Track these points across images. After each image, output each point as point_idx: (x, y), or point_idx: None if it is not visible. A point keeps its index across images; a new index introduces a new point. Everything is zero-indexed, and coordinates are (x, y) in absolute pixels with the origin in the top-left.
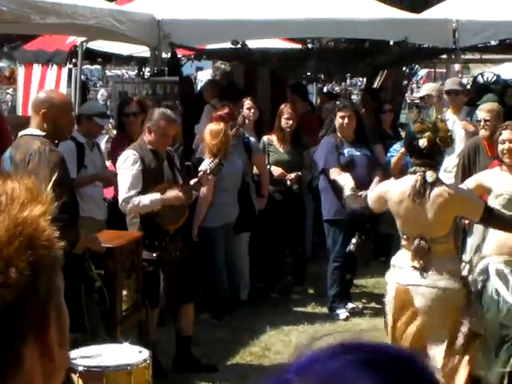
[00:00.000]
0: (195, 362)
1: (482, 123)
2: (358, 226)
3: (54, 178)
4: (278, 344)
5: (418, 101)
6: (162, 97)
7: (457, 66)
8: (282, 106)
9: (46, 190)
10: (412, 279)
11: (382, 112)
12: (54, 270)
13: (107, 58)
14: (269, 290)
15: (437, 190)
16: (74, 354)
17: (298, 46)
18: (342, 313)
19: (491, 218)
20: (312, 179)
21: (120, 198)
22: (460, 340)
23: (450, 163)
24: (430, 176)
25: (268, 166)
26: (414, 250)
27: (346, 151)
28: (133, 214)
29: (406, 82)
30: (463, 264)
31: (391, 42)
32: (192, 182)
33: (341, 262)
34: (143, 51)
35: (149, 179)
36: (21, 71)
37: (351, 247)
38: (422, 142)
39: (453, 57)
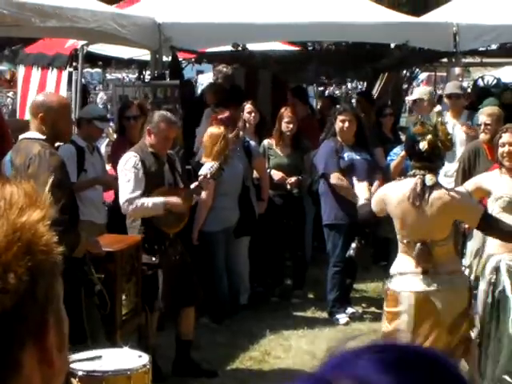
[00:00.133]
0: (195, 367)
1: (483, 127)
2: (358, 231)
3: (53, 182)
4: (278, 348)
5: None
6: (162, 100)
7: (457, 70)
8: (283, 110)
9: (44, 195)
10: (428, 285)
11: (383, 116)
12: (53, 275)
13: (108, 62)
14: (269, 294)
15: (436, 194)
16: (73, 358)
17: (298, 49)
18: (342, 317)
19: (488, 227)
20: (312, 183)
21: (122, 199)
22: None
23: (451, 167)
24: (429, 179)
25: (268, 170)
26: (417, 255)
27: (346, 155)
28: (133, 217)
29: (406, 86)
30: (463, 268)
31: (392, 46)
32: (192, 186)
33: (341, 266)
34: (144, 54)
35: (149, 182)
36: (20, 74)
37: (351, 252)
38: (423, 145)
39: (453, 60)
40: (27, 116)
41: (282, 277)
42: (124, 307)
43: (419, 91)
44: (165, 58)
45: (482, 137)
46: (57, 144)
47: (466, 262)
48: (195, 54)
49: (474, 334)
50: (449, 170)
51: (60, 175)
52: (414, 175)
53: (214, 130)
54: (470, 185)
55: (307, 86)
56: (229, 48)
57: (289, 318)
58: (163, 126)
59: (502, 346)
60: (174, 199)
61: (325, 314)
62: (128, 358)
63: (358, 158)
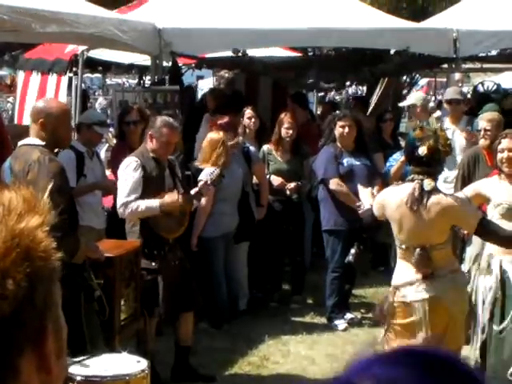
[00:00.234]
0: (193, 372)
1: (482, 133)
2: (357, 236)
3: (53, 188)
4: (277, 354)
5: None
6: (162, 106)
7: (457, 75)
8: (282, 115)
9: (43, 201)
10: (435, 288)
11: (383, 121)
12: (51, 281)
13: (108, 67)
14: (267, 300)
15: (434, 198)
16: (72, 363)
17: (298, 54)
18: (341, 323)
19: (485, 232)
20: (311, 189)
21: (119, 202)
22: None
23: (451, 174)
24: (427, 184)
25: (268, 176)
26: (416, 260)
27: (346, 161)
28: (132, 222)
29: (406, 91)
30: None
31: (392, 52)
32: (192, 192)
33: (340, 272)
34: (144, 60)
35: (150, 187)
36: (20, 79)
37: (350, 258)
38: (422, 150)
39: (453, 66)
40: (25, 121)
41: (281, 282)
42: (123, 312)
43: (412, 97)
44: (165, 64)
45: (482, 143)
46: (56, 149)
47: (465, 267)
48: (195, 60)
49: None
50: (448, 176)
51: (59, 181)
52: (413, 180)
53: (213, 135)
54: (469, 191)
55: (307, 92)
56: (229, 54)
57: (287, 323)
58: (165, 131)
59: (505, 344)
60: (171, 197)
61: (323, 320)
62: (127, 363)
63: (357, 163)
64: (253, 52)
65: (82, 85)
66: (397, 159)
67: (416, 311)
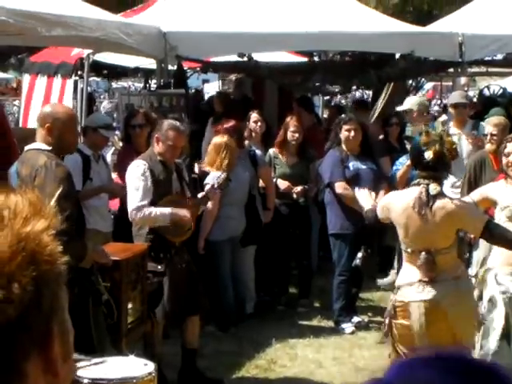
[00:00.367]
0: (200, 376)
1: (489, 137)
2: (364, 240)
3: (60, 193)
4: (284, 357)
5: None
6: (168, 109)
7: (463, 79)
8: (288, 119)
9: (49, 204)
10: (435, 292)
11: (389, 125)
12: (57, 285)
13: (113, 71)
14: (275, 303)
15: (440, 203)
16: (79, 366)
17: (304, 59)
18: (348, 326)
19: (491, 236)
20: (317, 193)
21: (131, 206)
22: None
23: (458, 179)
24: (433, 188)
25: (274, 179)
26: (421, 264)
27: (352, 165)
28: (139, 226)
29: (412, 95)
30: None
31: (397, 55)
32: (199, 196)
33: (347, 275)
34: (150, 63)
35: (157, 190)
36: (25, 83)
37: (357, 261)
38: (428, 155)
39: (459, 70)
40: (30, 124)
41: (288, 286)
42: (130, 315)
43: (409, 101)
44: (170, 67)
45: (488, 147)
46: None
47: (472, 271)
48: (201, 64)
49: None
50: (456, 181)
51: (66, 186)
52: (419, 184)
53: (218, 139)
54: (475, 195)
55: (313, 96)
56: (234, 57)
57: (294, 326)
58: (172, 134)
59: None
60: (182, 212)
61: (331, 323)
62: (134, 366)
63: (363, 167)
64: (258, 56)
65: (88, 88)
66: (403, 163)
67: (413, 312)
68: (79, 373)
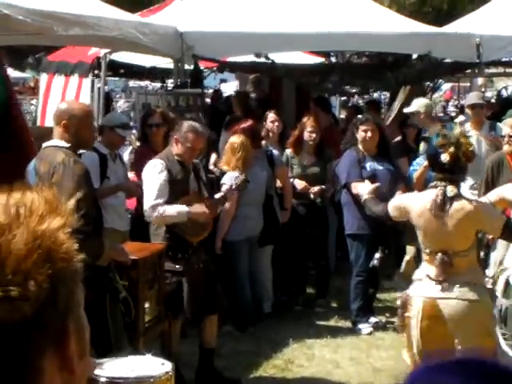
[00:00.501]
0: (218, 375)
1: (506, 139)
2: (381, 241)
3: (78, 191)
4: (301, 357)
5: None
6: (184, 108)
7: (480, 80)
8: (305, 119)
9: (65, 202)
10: (439, 292)
11: (406, 126)
12: (73, 282)
13: (130, 70)
14: (292, 303)
15: (457, 205)
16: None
17: (321, 59)
18: (365, 327)
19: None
20: (334, 193)
21: (146, 205)
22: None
23: (477, 180)
24: (450, 191)
25: (291, 179)
26: (437, 264)
27: (369, 165)
28: (157, 225)
29: (429, 96)
30: (487, 279)
31: (414, 56)
32: (217, 196)
33: (364, 276)
34: (166, 63)
35: (174, 190)
36: (43, 82)
37: (375, 262)
38: (445, 157)
39: (476, 71)
40: (48, 123)
41: (305, 286)
42: (147, 314)
43: (416, 103)
44: (187, 67)
45: (506, 148)
46: (79, 151)
47: (489, 272)
48: (217, 63)
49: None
50: (474, 182)
51: (84, 183)
52: (436, 186)
53: (234, 139)
54: (492, 196)
55: (330, 96)
56: (251, 57)
57: (312, 326)
58: (191, 136)
59: None
60: (198, 208)
61: (348, 323)
62: (151, 365)
63: (380, 168)
64: (275, 56)
65: (105, 87)
66: (420, 163)
67: (414, 306)
68: (96, 371)
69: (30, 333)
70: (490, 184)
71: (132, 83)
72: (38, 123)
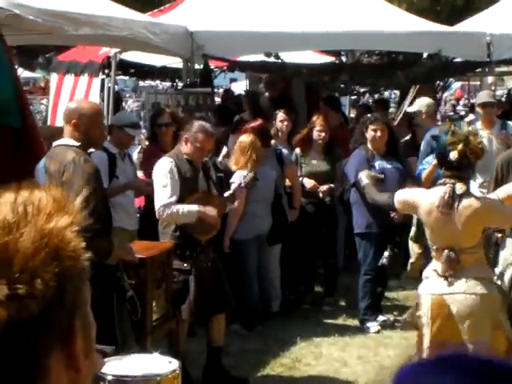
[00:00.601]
0: (225, 374)
1: None
2: (390, 239)
3: (88, 189)
4: (309, 356)
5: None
6: (194, 108)
7: (490, 79)
8: (314, 118)
9: (73, 201)
10: (446, 288)
11: (415, 125)
12: (80, 280)
13: (140, 70)
14: (300, 302)
15: (465, 202)
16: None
17: (331, 58)
18: (373, 325)
19: None
20: (343, 192)
21: (158, 203)
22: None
23: (487, 179)
24: (459, 188)
25: (300, 178)
26: (444, 261)
27: (378, 164)
28: (165, 224)
29: (439, 95)
30: (495, 278)
31: (424, 55)
32: (226, 195)
33: (372, 274)
34: (177, 62)
35: (183, 189)
36: (53, 82)
37: (384, 261)
38: (453, 155)
39: (487, 70)
40: (58, 123)
41: (314, 284)
42: (155, 313)
43: (418, 103)
44: (197, 66)
45: None
46: (89, 150)
47: (498, 270)
48: (227, 63)
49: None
50: (483, 181)
51: (94, 182)
52: (444, 184)
53: (244, 138)
54: (501, 192)
55: (340, 95)
56: (261, 57)
57: (320, 325)
58: (201, 136)
59: None
60: (209, 210)
61: (356, 322)
62: (158, 364)
63: (389, 166)
64: (285, 55)
65: (116, 87)
66: (429, 162)
67: (423, 304)
68: (103, 369)
69: (36, 331)
70: (500, 182)
71: (142, 83)
72: (49, 123)
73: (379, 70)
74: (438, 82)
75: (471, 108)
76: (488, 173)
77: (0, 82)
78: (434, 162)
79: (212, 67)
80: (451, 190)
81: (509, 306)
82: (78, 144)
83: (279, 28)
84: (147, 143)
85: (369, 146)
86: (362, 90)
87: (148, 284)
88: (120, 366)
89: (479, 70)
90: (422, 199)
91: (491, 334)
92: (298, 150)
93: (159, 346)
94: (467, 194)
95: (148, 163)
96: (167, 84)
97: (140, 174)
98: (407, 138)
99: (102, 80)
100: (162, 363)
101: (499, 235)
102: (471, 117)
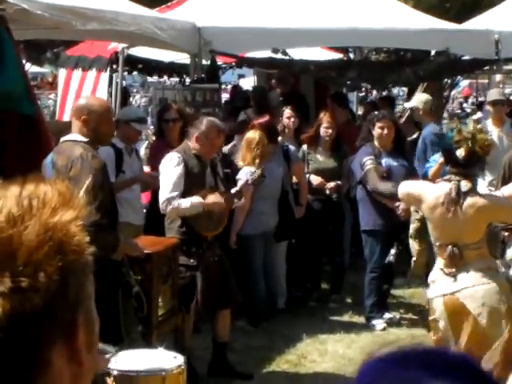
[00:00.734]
0: (230, 369)
1: None
2: (396, 237)
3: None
4: (314, 352)
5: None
6: (201, 103)
7: (498, 77)
8: (322, 115)
9: (78, 195)
10: (455, 286)
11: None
12: (84, 275)
13: (148, 65)
14: (306, 299)
15: (470, 200)
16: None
17: (339, 55)
18: (379, 323)
19: None
20: (350, 189)
21: (162, 198)
22: None
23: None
24: (464, 185)
25: (307, 175)
26: (447, 257)
27: (384, 161)
28: (171, 219)
29: (447, 93)
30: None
31: (432, 52)
32: (233, 191)
33: (378, 272)
34: (185, 58)
35: (191, 184)
36: (61, 77)
37: (390, 258)
38: (460, 152)
39: (495, 67)
40: (66, 118)
41: (320, 281)
42: (160, 308)
43: (416, 99)
44: (204, 62)
45: None
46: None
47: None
48: (235, 59)
49: None
50: (492, 179)
51: (101, 178)
52: (450, 180)
53: (250, 134)
54: (507, 190)
55: (348, 92)
56: (269, 53)
57: (326, 322)
58: (211, 133)
59: None
60: (214, 198)
61: (362, 319)
62: (163, 359)
63: (395, 164)
64: (293, 52)
65: (123, 82)
66: (436, 160)
67: (436, 308)
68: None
69: (39, 324)
70: (507, 180)
71: (150, 78)
72: (57, 118)
73: (387, 67)
74: (446, 79)
75: (479, 106)
76: (498, 170)
77: (11, 74)
78: (441, 159)
79: (220, 63)
80: (457, 187)
81: None
82: (86, 140)
83: (287, 24)
84: (154, 138)
85: (375, 143)
86: (369, 86)
87: (154, 279)
88: (125, 361)
89: (487, 67)
90: (427, 193)
91: (509, 321)
92: (305, 147)
93: (165, 342)
94: (472, 191)
95: (155, 159)
96: (175, 80)
97: (147, 169)
98: (414, 136)
99: (111, 75)
100: (168, 358)
101: (506, 234)
102: (478, 115)
